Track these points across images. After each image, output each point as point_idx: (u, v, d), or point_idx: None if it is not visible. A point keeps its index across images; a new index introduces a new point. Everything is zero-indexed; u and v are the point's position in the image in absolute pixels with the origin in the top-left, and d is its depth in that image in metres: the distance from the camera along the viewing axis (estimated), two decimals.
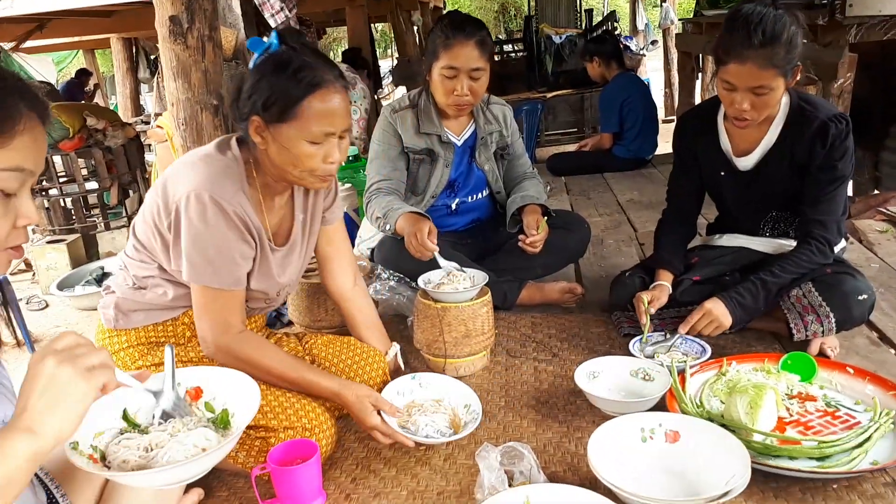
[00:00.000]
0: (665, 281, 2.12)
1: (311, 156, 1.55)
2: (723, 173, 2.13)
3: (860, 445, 1.47)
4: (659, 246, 2.25)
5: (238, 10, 3.19)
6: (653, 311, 2.05)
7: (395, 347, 1.99)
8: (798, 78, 1.87)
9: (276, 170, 1.62)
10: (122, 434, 1.23)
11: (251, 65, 1.61)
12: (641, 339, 2.04)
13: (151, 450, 1.22)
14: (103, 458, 1.18)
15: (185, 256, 1.57)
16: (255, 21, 3.50)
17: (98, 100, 12.17)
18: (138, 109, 10.35)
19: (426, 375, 1.85)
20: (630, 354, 1.97)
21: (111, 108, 10.27)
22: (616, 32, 8.78)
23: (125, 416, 1.25)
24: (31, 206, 0.98)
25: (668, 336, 2.04)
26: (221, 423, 1.31)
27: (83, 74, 12.47)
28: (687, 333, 1.98)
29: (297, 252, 1.80)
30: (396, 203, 2.31)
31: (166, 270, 1.66)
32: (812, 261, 1.94)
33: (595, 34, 8.00)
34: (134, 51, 10.26)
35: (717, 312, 1.93)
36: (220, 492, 1.58)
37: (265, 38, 1.64)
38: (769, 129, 1.99)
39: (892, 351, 2.03)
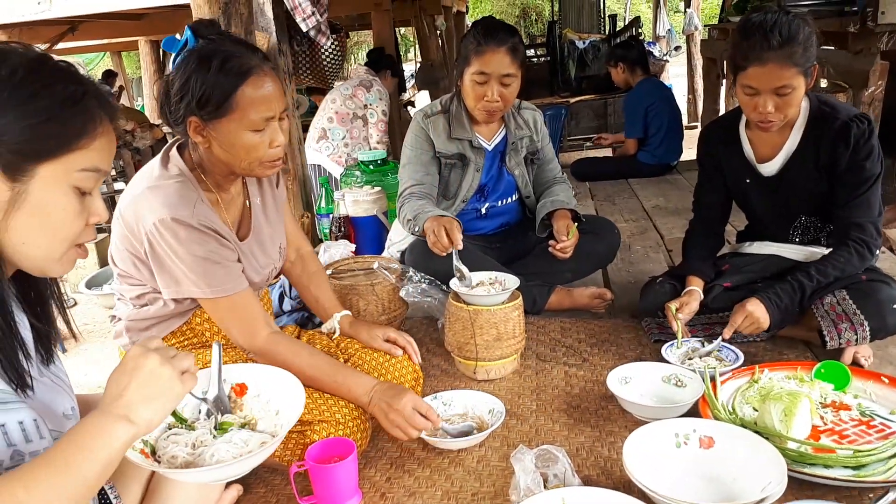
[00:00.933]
0: (696, 286, 2.12)
1: (256, 145, 1.56)
2: (748, 181, 2.14)
3: None
4: (687, 255, 2.26)
5: (270, 13, 3.22)
6: (682, 317, 2.05)
7: (338, 316, 1.95)
8: (815, 78, 1.90)
9: (224, 166, 1.62)
10: (170, 429, 1.27)
11: (171, 65, 1.59)
12: (675, 344, 2.04)
13: (197, 447, 1.25)
14: (153, 452, 1.21)
15: (182, 278, 1.57)
16: (286, 25, 3.54)
17: (123, 101, 12.34)
18: None
19: (447, 394, 1.86)
20: (662, 360, 1.98)
21: (139, 109, 10.41)
22: (640, 38, 8.75)
23: (173, 412, 1.28)
24: (102, 204, 1.03)
25: (704, 343, 2.04)
26: (249, 426, 1.34)
27: (109, 76, 12.66)
28: (728, 332, 1.96)
29: (265, 234, 1.80)
30: (428, 206, 2.34)
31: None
32: (851, 263, 1.93)
33: (620, 39, 8.00)
34: (161, 53, 10.40)
35: (758, 314, 1.92)
36: (258, 488, 1.61)
37: (178, 36, 1.60)
38: (790, 133, 2.02)
39: None
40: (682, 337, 2.04)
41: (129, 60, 19.39)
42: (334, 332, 1.95)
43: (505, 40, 2.31)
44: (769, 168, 2.09)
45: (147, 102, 10.48)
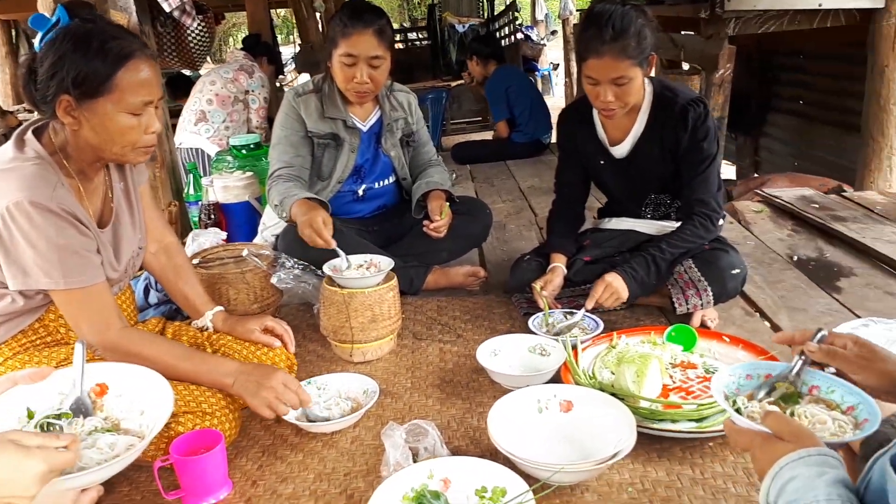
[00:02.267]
0: (559, 263, 2.23)
1: (132, 128, 1.53)
2: (602, 162, 2.27)
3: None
4: (551, 233, 2.38)
5: None
6: (546, 293, 2.15)
7: (210, 314, 1.90)
8: (653, 66, 2.03)
9: (93, 150, 1.57)
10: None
11: (38, 43, 1.52)
12: (542, 316, 2.13)
13: None
14: None
15: (32, 268, 1.48)
16: (147, 4, 3.37)
17: None
18: (20, 97, 9.69)
19: (321, 378, 1.86)
20: (530, 332, 2.06)
21: None
22: (518, 22, 8.95)
23: (30, 416, 1.22)
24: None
25: (567, 317, 2.15)
26: (114, 430, 1.30)
27: None
28: (590, 303, 2.07)
29: (125, 223, 1.74)
30: (294, 189, 2.30)
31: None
32: (697, 235, 2.09)
33: (498, 24, 8.16)
34: (14, 34, 9.59)
35: (617, 285, 2.04)
36: (122, 486, 1.55)
37: (47, 14, 1.54)
38: (637, 117, 2.15)
39: (766, 322, 2.21)
40: (549, 310, 2.14)
41: None
42: (206, 330, 1.90)
43: (372, 22, 2.30)
44: (620, 150, 2.22)
45: (1, 88, 9.63)
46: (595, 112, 2.24)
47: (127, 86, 1.50)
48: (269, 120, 4.68)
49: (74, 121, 1.51)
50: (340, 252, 2.12)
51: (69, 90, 1.47)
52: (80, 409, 1.29)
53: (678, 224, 2.18)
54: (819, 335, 1.21)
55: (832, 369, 1.19)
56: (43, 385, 1.20)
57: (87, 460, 1.18)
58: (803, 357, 1.19)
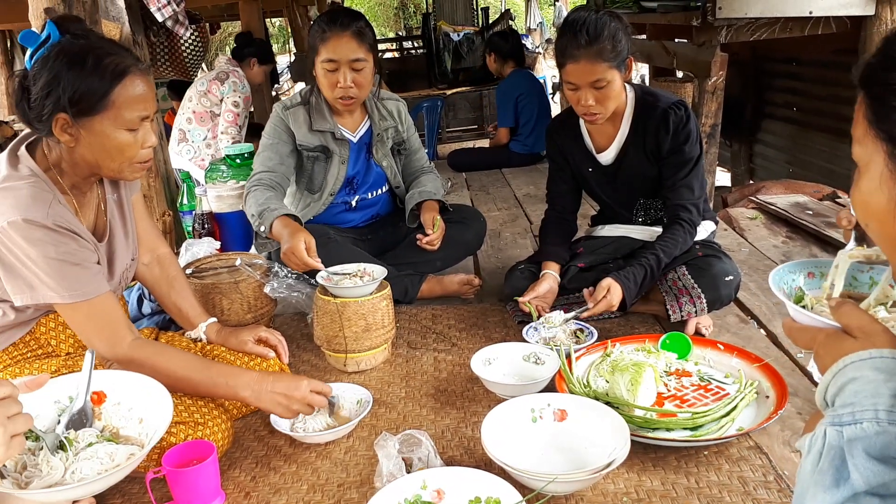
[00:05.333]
0: (551, 270, 2.24)
1: (129, 144, 1.54)
2: (590, 169, 2.30)
3: (728, 414, 1.61)
4: (543, 242, 2.39)
5: (121, 2, 3.05)
6: (531, 301, 2.14)
7: (203, 326, 1.91)
8: (630, 69, 2.07)
9: (89, 167, 1.57)
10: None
11: (28, 60, 1.51)
12: (536, 324, 2.12)
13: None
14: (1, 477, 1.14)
15: (36, 284, 1.48)
16: (140, 15, 3.37)
17: None
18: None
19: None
20: (524, 341, 2.06)
21: None
22: (515, 31, 8.98)
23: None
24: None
25: (562, 314, 2.14)
26: (113, 439, 1.30)
27: None
28: (589, 312, 2.04)
29: (118, 235, 1.74)
30: (273, 202, 2.27)
31: None
32: (684, 241, 2.10)
33: (492, 32, 8.18)
34: (8, 44, 9.59)
35: (613, 290, 2.01)
36: (114, 499, 1.53)
37: (36, 30, 1.53)
38: (621, 123, 2.18)
39: (761, 329, 2.21)
40: (537, 318, 2.12)
41: None
42: (199, 341, 1.89)
43: (348, 24, 2.30)
44: (606, 157, 2.25)
45: None
46: (582, 121, 2.26)
47: (123, 102, 1.50)
48: (259, 126, 4.57)
49: (71, 138, 1.51)
50: (324, 273, 2.11)
51: (66, 108, 1.47)
52: (83, 419, 1.28)
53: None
54: None
55: None
56: (39, 393, 1.19)
57: (87, 471, 1.18)
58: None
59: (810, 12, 3.50)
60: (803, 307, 1.05)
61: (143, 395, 1.34)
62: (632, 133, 2.17)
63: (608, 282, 2.01)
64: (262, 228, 2.22)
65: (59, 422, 1.28)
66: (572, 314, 2.09)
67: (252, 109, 4.54)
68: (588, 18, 1.97)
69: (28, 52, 1.51)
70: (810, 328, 0.95)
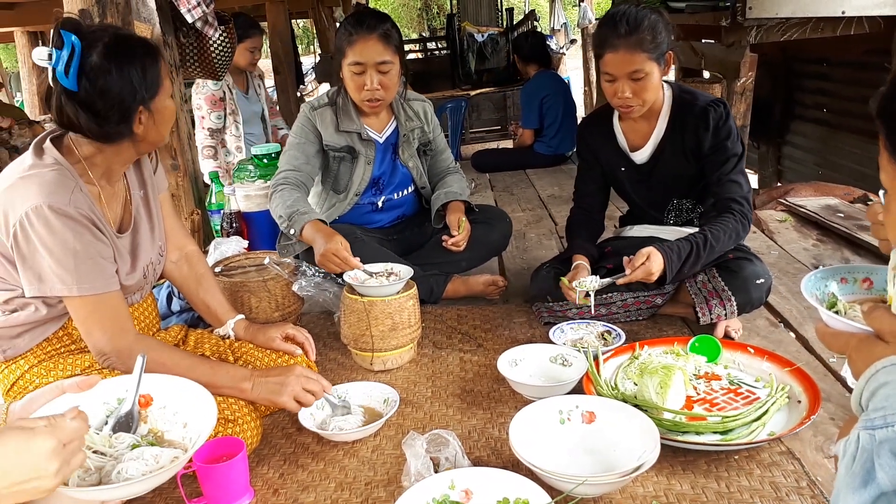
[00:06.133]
0: (581, 261, 2.18)
1: (174, 109, 1.66)
2: (623, 168, 2.27)
3: (759, 419, 1.59)
4: (572, 239, 2.36)
5: (152, 3, 3.09)
6: (576, 285, 2.06)
7: (231, 323, 1.91)
8: (669, 65, 2.05)
9: (147, 146, 1.64)
10: None
11: (68, 77, 1.45)
12: (561, 328, 2.11)
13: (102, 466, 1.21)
14: None
15: (48, 274, 1.49)
16: (170, 16, 3.40)
17: (1, 98, 11.51)
18: (46, 108, 9.82)
19: (342, 387, 1.86)
20: (550, 342, 2.05)
21: (17, 105, 9.74)
22: (537, 31, 8.95)
23: None
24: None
25: (589, 323, 2.13)
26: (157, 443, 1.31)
27: None
28: (627, 278, 1.96)
29: (143, 229, 1.76)
30: (302, 204, 2.28)
31: None
32: (735, 229, 2.00)
33: (516, 33, 8.16)
34: (41, 45, 9.77)
35: (654, 258, 1.93)
36: (145, 494, 1.55)
37: (44, 47, 1.45)
38: (657, 121, 2.15)
39: (791, 333, 2.18)
40: (588, 304, 2.05)
41: (8, 54, 18.07)
42: (227, 338, 1.90)
43: (375, 27, 2.31)
44: (641, 156, 2.22)
45: (27, 98, 9.79)
46: (615, 119, 2.24)
47: (165, 73, 1.59)
48: (273, 125, 4.23)
49: (143, 126, 1.57)
50: (364, 270, 2.14)
51: (143, 100, 1.53)
52: (129, 422, 1.30)
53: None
54: None
55: None
56: (88, 394, 1.20)
57: (133, 472, 1.19)
58: None
59: (843, 12, 3.44)
60: (836, 313, 1.05)
61: (188, 400, 1.34)
62: (669, 131, 2.15)
63: (648, 249, 1.94)
64: (293, 231, 2.24)
65: (106, 423, 1.29)
66: (608, 280, 2.03)
67: (232, 110, 3.95)
68: (629, 10, 1.98)
69: (60, 70, 1.44)
70: (843, 333, 0.95)
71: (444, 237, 2.41)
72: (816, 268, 2.71)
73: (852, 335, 0.92)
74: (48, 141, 1.58)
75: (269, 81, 4.42)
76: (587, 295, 2.04)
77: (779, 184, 5.37)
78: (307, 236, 2.20)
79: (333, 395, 1.74)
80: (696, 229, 2.20)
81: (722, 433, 1.57)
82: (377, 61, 2.31)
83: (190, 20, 3.31)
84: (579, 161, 2.42)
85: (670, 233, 2.27)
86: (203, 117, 3.89)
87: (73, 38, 1.45)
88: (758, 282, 2.02)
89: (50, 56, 1.45)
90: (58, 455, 0.90)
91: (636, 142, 2.22)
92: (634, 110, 2.04)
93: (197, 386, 1.35)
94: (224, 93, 3.90)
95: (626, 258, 1.98)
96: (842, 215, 3.24)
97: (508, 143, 5.91)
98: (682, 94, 2.14)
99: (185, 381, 1.36)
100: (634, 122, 2.19)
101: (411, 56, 10.82)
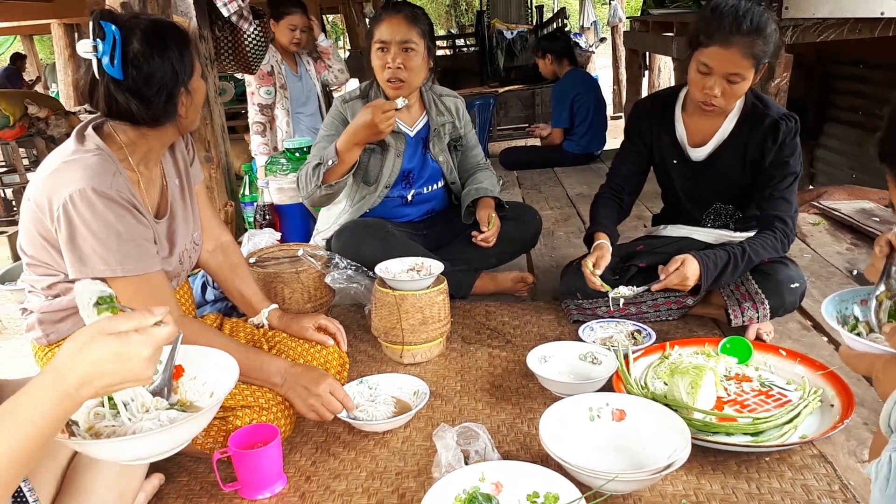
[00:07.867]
0: (603, 240, 2.15)
1: (205, 88, 1.70)
2: (675, 161, 2.21)
3: (790, 421, 1.58)
4: (594, 216, 2.30)
5: None
6: (599, 271, 2.06)
7: (265, 312, 1.93)
8: (762, 75, 1.96)
9: (188, 124, 1.68)
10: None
11: (114, 66, 1.47)
12: (590, 326, 2.11)
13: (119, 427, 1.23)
14: (72, 434, 1.18)
15: (91, 255, 1.51)
16: (206, 9, 3.45)
17: (38, 89, 11.75)
18: (82, 98, 10.02)
19: (373, 378, 1.89)
20: (579, 340, 2.05)
21: (53, 96, 9.93)
22: (566, 29, 8.91)
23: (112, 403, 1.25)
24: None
25: (619, 322, 2.13)
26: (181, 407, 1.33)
27: (18, 59, 12.00)
28: (661, 283, 1.96)
29: (179, 216, 1.78)
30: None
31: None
32: (775, 247, 1.99)
33: (546, 31, 8.14)
34: (76, 37, 9.95)
35: (690, 265, 1.92)
36: (181, 477, 1.59)
37: (87, 39, 1.47)
38: (724, 123, 2.09)
39: (823, 337, 2.16)
40: (610, 291, 2.05)
41: (43, 45, 18.42)
42: (262, 327, 1.93)
43: (401, 9, 2.35)
44: (698, 153, 2.16)
45: (62, 89, 9.99)
46: (677, 109, 2.17)
47: (195, 53, 1.64)
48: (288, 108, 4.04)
49: (185, 107, 1.61)
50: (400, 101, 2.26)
51: (184, 83, 1.58)
52: (163, 392, 1.31)
53: (737, 234, 2.13)
54: None
55: None
56: None
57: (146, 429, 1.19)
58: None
59: (882, 13, 3.38)
60: (857, 335, 1.06)
61: (214, 369, 1.36)
62: (733, 135, 2.09)
63: (682, 256, 1.93)
64: (330, 161, 2.28)
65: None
66: (643, 288, 2.03)
67: (282, 84, 3.91)
68: (753, 8, 1.85)
69: (105, 60, 1.47)
70: (868, 355, 0.97)
71: (474, 233, 2.42)
72: (851, 272, 2.67)
73: (878, 356, 0.94)
74: (90, 128, 1.62)
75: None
76: (617, 301, 2.05)
77: (810, 186, 5.29)
78: (342, 143, 2.27)
79: (362, 412, 1.75)
80: (731, 232, 2.19)
81: (753, 434, 1.57)
82: (400, 39, 2.32)
83: (226, 14, 3.36)
84: (625, 142, 2.32)
85: (705, 234, 2.25)
86: (252, 93, 3.88)
87: (113, 27, 1.47)
88: (792, 286, 2.01)
89: (95, 47, 1.47)
90: (154, 361, 0.98)
91: (696, 138, 2.15)
92: (715, 110, 1.98)
93: (224, 354, 1.35)
94: (272, 66, 3.86)
95: (660, 267, 1.98)
96: (877, 220, 3.19)
97: (536, 141, 5.90)
98: (755, 100, 2.07)
99: (214, 351, 1.37)
100: (700, 118, 2.11)
101: (439, 53, 10.83)
